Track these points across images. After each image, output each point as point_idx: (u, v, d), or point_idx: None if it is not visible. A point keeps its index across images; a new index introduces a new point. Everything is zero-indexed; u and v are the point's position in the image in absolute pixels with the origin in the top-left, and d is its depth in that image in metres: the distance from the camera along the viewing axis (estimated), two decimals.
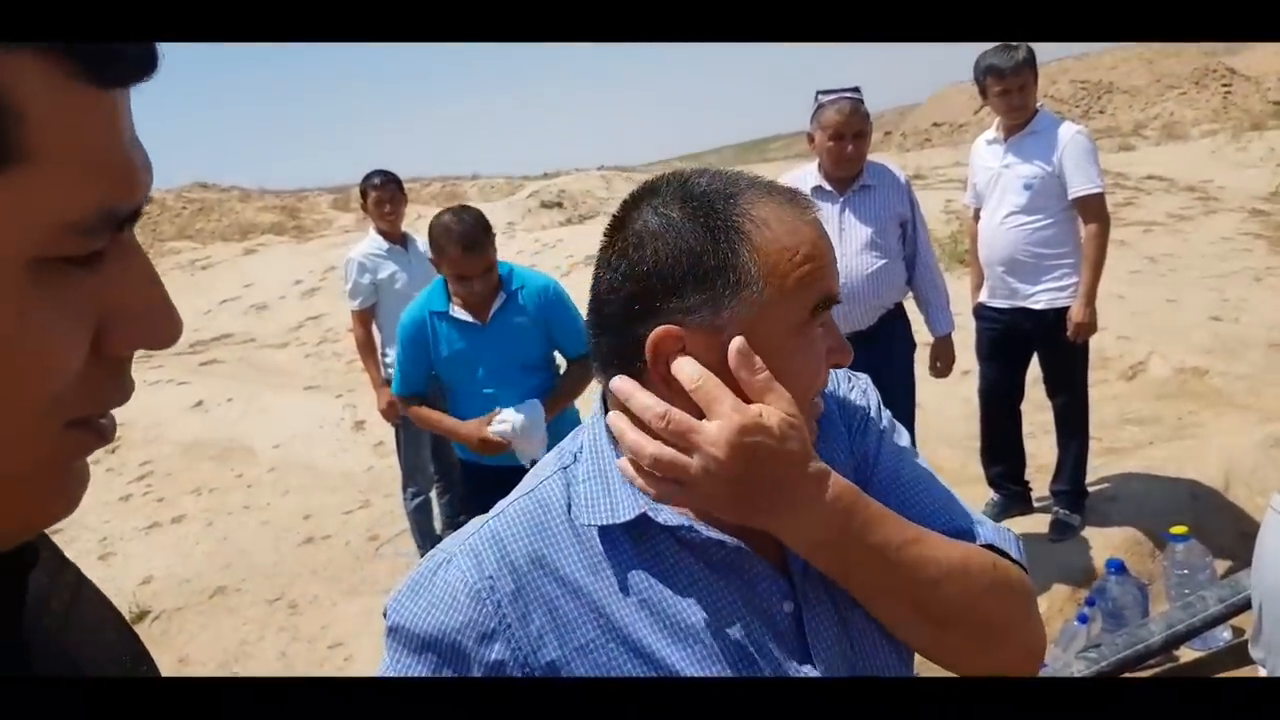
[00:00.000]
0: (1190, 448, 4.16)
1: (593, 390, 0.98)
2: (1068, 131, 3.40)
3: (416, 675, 0.83)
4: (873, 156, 3.32)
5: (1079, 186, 3.36)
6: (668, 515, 0.85)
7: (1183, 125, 15.44)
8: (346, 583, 4.36)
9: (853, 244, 3.22)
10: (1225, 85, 19.34)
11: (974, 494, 3.91)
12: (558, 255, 9.50)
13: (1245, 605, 2.80)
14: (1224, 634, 2.98)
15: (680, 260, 0.81)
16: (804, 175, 3.33)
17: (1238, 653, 2.85)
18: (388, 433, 6.07)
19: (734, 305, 0.80)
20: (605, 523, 0.85)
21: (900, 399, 3.41)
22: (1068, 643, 3.00)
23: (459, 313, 2.86)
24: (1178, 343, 5.57)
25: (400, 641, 0.84)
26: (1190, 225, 8.49)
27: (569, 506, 0.87)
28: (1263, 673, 2.20)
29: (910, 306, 3.49)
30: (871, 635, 0.91)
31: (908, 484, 0.97)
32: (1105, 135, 15.72)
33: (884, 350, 3.29)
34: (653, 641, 0.83)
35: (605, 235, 0.88)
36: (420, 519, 4.27)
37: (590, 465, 0.89)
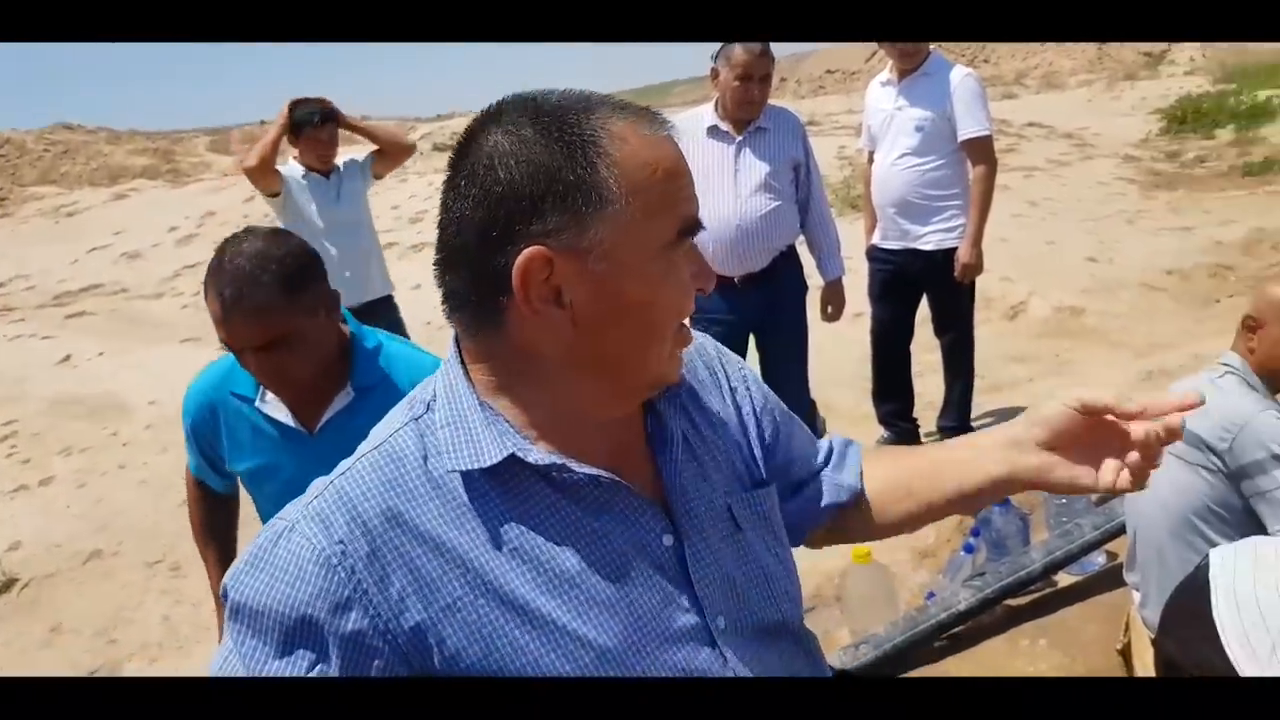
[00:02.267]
0: (1067, 383, 4.31)
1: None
2: (958, 75, 3.44)
3: (263, 656, 0.76)
4: (770, 101, 3.29)
5: (968, 129, 3.41)
6: (538, 455, 0.80)
7: (1061, 75, 16.00)
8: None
9: (747, 185, 3.20)
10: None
11: (866, 432, 4.00)
12: None
13: (1118, 531, 2.94)
14: (1099, 559, 3.13)
15: (537, 178, 0.76)
16: (699, 115, 3.28)
17: (1112, 576, 2.99)
18: None
19: (598, 225, 0.76)
20: (469, 468, 0.79)
21: (793, 340, 3.45)
22: (955, 572, 3.10)
23: (272, 408, 1.71)
24: (1056, 283, 5.79)
25: (243, 621, 0.77)
26: (1068, 170, 8.82)
27: (425, 457, 0.81)
28: (1136, 596, 2.32)
29: (804, 250, 3.50)
30: (748, 567, 0.91)
31: (790, 424, 1.06)
32: (990, 83, 16.08)
33: (777, 291, 3.31)
34: (526, 592, 0.79)
35: (451, 162, 0.81)
36: None
37: (447, 411, 0.83)
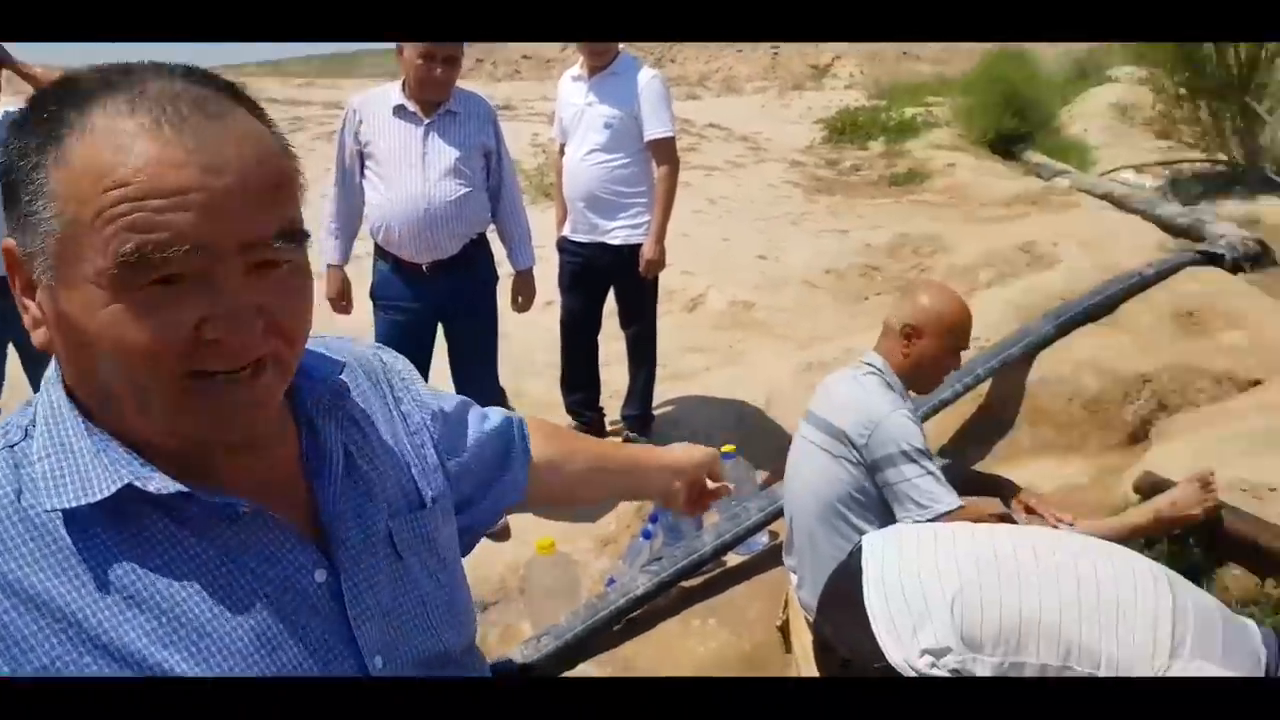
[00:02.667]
0: (740, 373, 4.66)
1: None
2: (645, 76, 3.56)
3: None
4: (462, 84, 3.23)
5: (653, 130, 3.55)
6: (160, 483, 0.71)
7: (739, 80, 17.14)
8: None
9: (436, 169, 3.13)
10: (774, 47, 21.71)
11: (554, 420, 4.06)
12: None
13: (779, 512, 3.21)
14: (763, 538, 3.40)
15: (6, 165, 0.69)
16: (386, 93, 3.15)
17: (774, 555, 3.26)
18: None
19: (36, 231, 0.67)
20: (75, 504, 0.69)
21: (482, 329, 3.43)
22: (634, 558, 3.24)
23: None
24: (731, 278, 6.18)
25: None
26: (743, 172, 9.44)
27: (19, 493, 0.70)
28: (793, 578, 2.54)
29: (494, 238, 3.49)
30: (407, 598, 0.86)
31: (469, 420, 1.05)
32: (675, 83, 16.95)
33: (468, 280, 3.28)
34: (144, 646, 0.70)
35: None
36: None
37: (48, 439, 0.72)
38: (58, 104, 0.68)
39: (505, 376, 4.29)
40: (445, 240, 3.18)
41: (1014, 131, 9.92)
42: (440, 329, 3.37)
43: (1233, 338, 4.24)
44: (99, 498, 0.69)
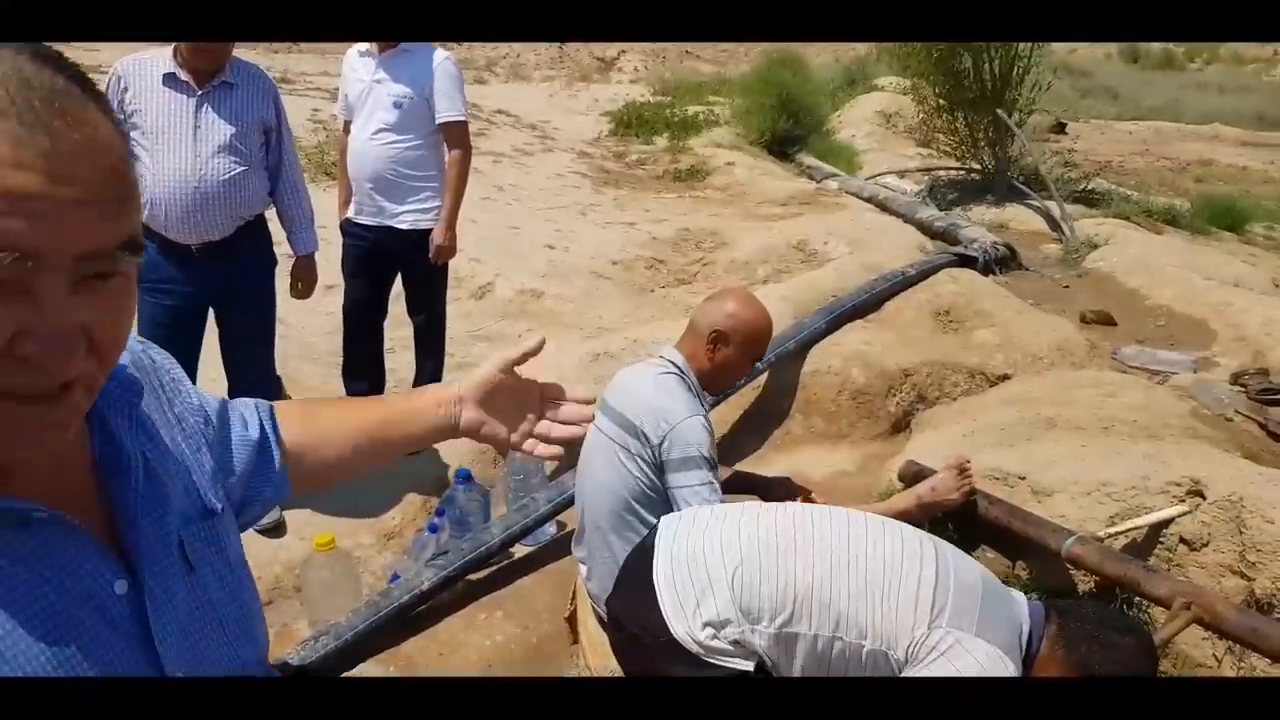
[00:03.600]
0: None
1: None
2: (439, 57, 3.45)
3: None
4: (239, 54, 3.01)
5: (445, 113, 3.45)
6: None
7: (527, 68, 17.01)
8: None
9: (209, 145, 2.90)
10: None
11: None
12: None
13: (568, 503, 3.22)
14: (550, 529, 3.40)
15: None
16: (155, 59, 2.89)
17: (562, 545, 3.27)
18: None
19: None
20: None
21: (258, 315, 3.23)
22: (419, 552, 3.16)
23: None
24: (520, 267, 6.14)
25: None
26: (532, 160, 9.40)
27: None
28: (583, 569, 2.55)
29: (273, 220, 3.29)
30: (203, 612, 0.81)
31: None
32: (463, 66, 16.62)
33: (243, 263, 3.08)
34: None
35: None
36: None
37: None
38: None
39: (281, 362, 4.06)
40: (218, 221, 2.96)
41: (788, 133, 10.44)
42: (212, 314, 3.14)
43: (984, 335, 4.66)
44: None
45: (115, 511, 0.76)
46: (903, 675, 1.70)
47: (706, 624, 1.78)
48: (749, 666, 1.76)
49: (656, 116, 11.54)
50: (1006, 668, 1.67)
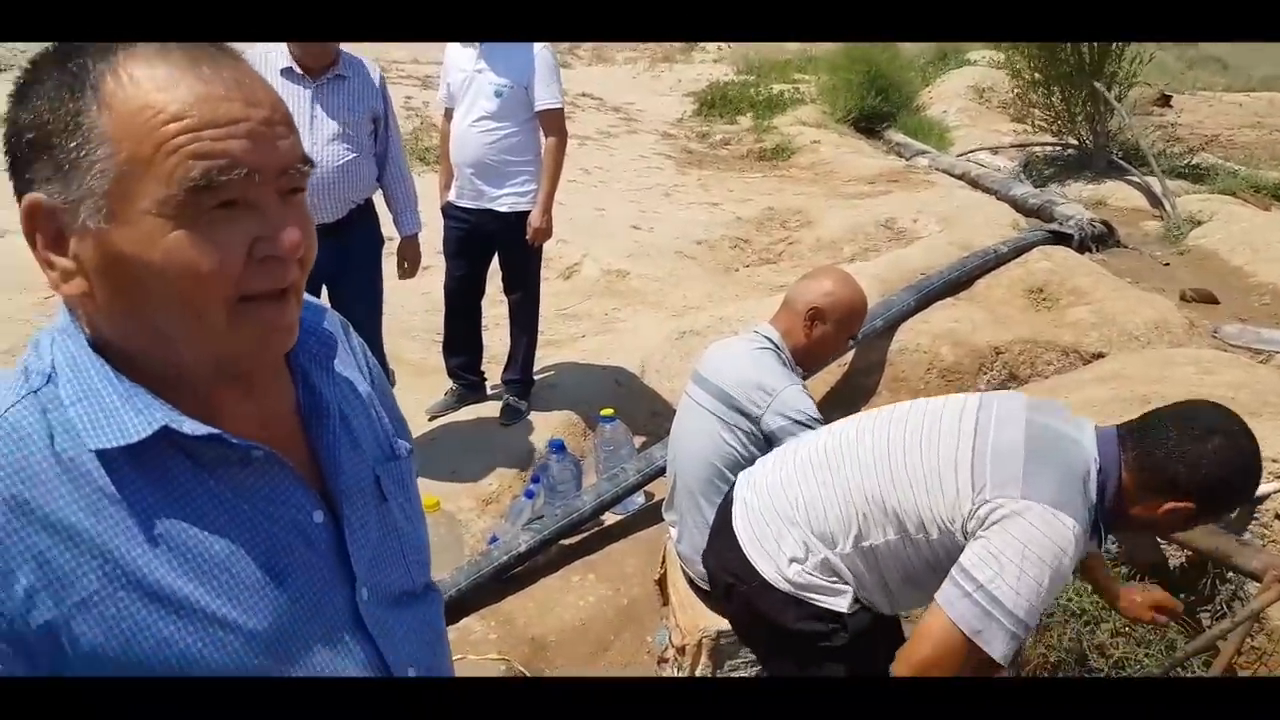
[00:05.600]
0: (615, 340, 4.75)
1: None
2: (537, 46, 3.58)
3: None
4: (345, 47, 3.19)
5: (544, 101, 3.58)
6: (193, 426, 0.75)
7: (610, 50, 17.06)
8: None
9: (323, 134, 3.09)
10: None
11: (434, 383, 4.07)
12: None
13: (657, 474, 3.33)
14: (639, 499, 3.52)
15: (29, 125, 0.72)
16: (275, 53, 3.09)
17: (650, 514, 3.38)
18: None
19: (88, 175, 0.70)
20: (114, 445, 0.73)
21: (366, 294, 3.41)
22: (516, 516, 3.31)
23: None
24: (606, 247, 6.25)
25: None
26: (616, 142, 9.51)
27: (52, 436, 0.73)
28: (673, 532, 2.65)
29: (380, 203, 3.47)
30: (389, 538, 0.93)
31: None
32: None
33: (353, 244, 3.27)
34: (171, 580, 0.75)
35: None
36: None
37: (75, 386, 0.75)
38: (80, 58, 0.71)
39: (385, 338, 4.25)
40: (331, 205, 3.15)
41: (877, 111, 10.32)
42: (325, 293, 3.33)
43: (1079, 313, 4.60)
44: (136, 439, 0.73)
45: (317, 452, 0.87)
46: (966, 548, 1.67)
47: (791, 560, 1.84)
48: (844, 603, 1.82)
49: (740, 96, 11.50)
50: (1063, 524, 1.59)
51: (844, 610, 1.82)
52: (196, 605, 0.76)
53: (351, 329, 1.04)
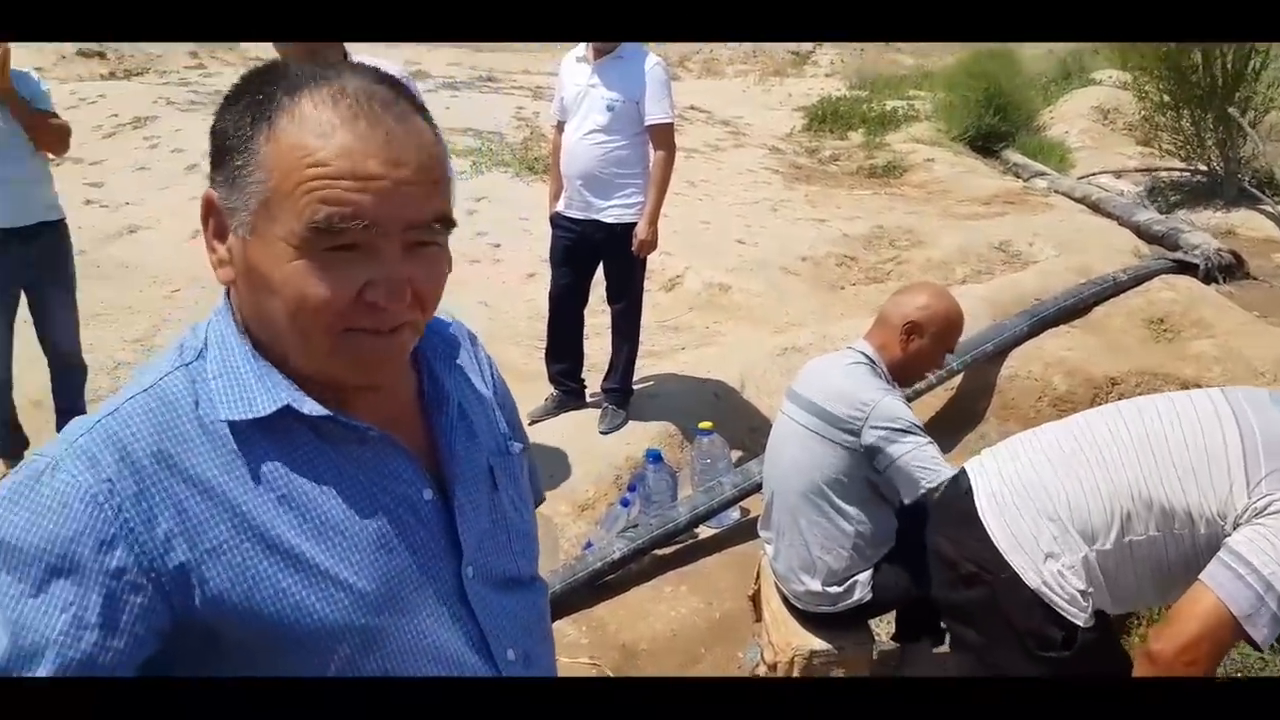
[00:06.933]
0: (715, 354, 4.75)
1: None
2: (650, 62, 3.64)
3: (17, 593, 0.74)
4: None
5: (654, 115, 3.62)
6: (312, 406, 0.84)
7: (720, 64, 17.08)
8: None
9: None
10: None
11: (535, 389, 4.14)
12: (99, 112, 8.18)
13: (753, 489, 3.31)
14: (734, 514, 3.51)
15: (220, 130, 0.83)
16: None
17: (744, 530, 3.37)
18: None
19: (243, 191, 0.80)
20: (242, 417, 0.83)
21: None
22: (611, 524, 3.34)
23: None
24: (709, 260, 6.25)
25: (1, 559, 0.76)
26: (723, 155, 9.50)
27: (196, 403, 0.83)
28: (769, 549, 2.63)
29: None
30: (497, 524, 0.98)
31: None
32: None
33: None
34: (291, 537, 0.83)
35: None
36: None
37: (220, 361, 0.85)
38: (272, 86, 0.81)
39: (488, 344, 4.34)
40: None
41: (994, 129, 10.06)
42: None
43: (1201, 346, 4.40)
44: (262, 414, 0.82)
45: (436, 438, 0.95)
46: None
47: (1048, 556, 1.81)
48: (1084, 618, 1.79)
49: (852, 111, 11.35)
50: None
51: (1080, 625, 1.80)
52: (312, 562, 0.83)
53: (479, 341, 1.12)
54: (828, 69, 16.14)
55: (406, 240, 0.81)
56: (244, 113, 0.81)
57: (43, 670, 0.74)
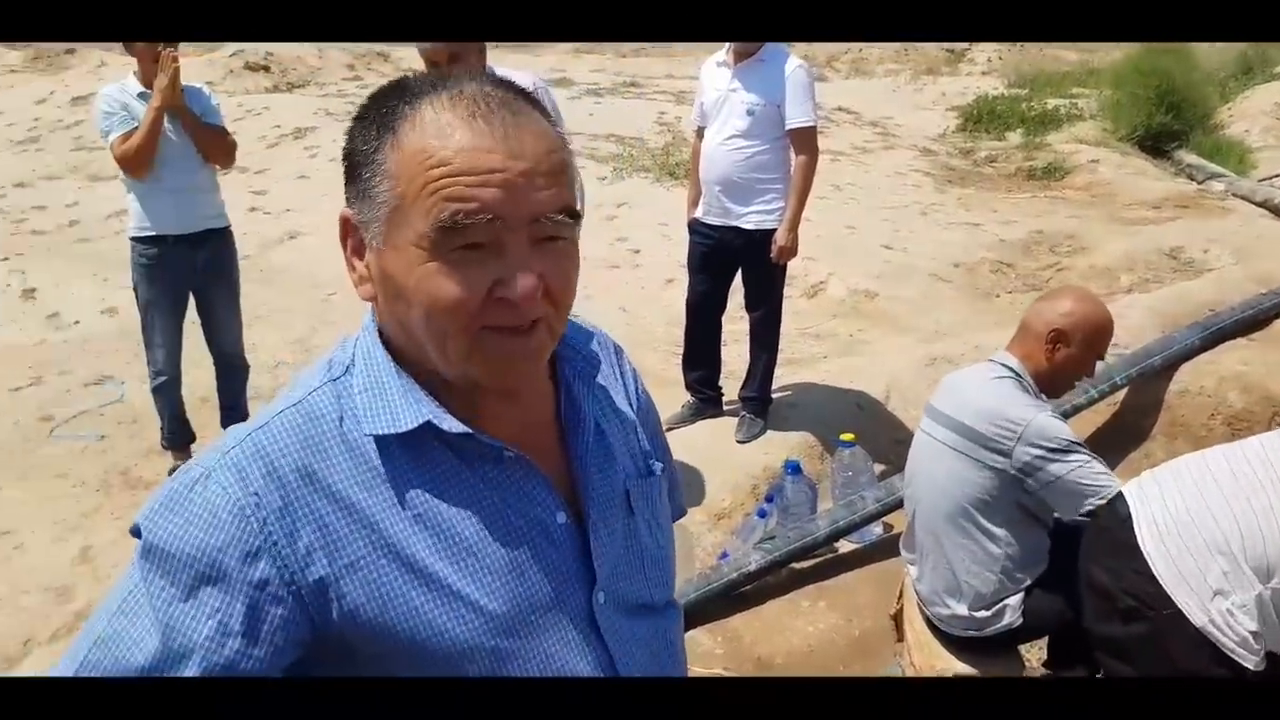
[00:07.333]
0: (859, 363, 4.63)
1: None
2: (791, 64, 3.56)
3: (169, 597, 0.77)
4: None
5: (795, 119, 3.55)
6: (451, 423, 0.84)
7: (869, 63, 16.70)
8: (15, 466, 3.86)
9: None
10: None
11: (672, 395, 4.13)
12: (263, 124, 8.72)
13: (897, 505, 3.20)
14: (877, 529, 3.40)
15: (350, 149, 0.85)
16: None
17: (887, 546, 3.26)
18: (64, 304, 5.40)
19: (374, 202, 0.82)
20: (386, 432, 0.84)
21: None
22: (747, 534, 3.29)
23: None
24: (854, 266, 6.11)
25: (154, 562, 0.79)
26: (871, 158, 9.27)
27: (341, 418, 0.85)
28: (912, 570, 2.53)
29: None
30: (632, 550, 0.97)
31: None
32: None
33: None
34: (425, 556, 0.83)
35: None
36: (161, 404, 3.77)
37: (366, 377, 0.87)
38: (395, 100, 0.83)
39: (627, 349, 4.34)
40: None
41: (1166, 129, 9.45)
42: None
43: None
44: (405, 429, 0.84)
45: (571, 460, 0.94)
46: None
47: (1216, 593, 1.70)
48: (1254, 661, 1.68)
49: (1010, 110, 10.89)
50: None
51: (1250, 668, 1.68)
52: (445, 581, 0.83)
53: (625, 354, 1.10)
54: (984, 66, 15.56)
55: (533, 234, 0.81)
56: (369, 127, 0.83)
57: (188, 673, 0.76)
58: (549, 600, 0.88)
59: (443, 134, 0.79)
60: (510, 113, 0.81)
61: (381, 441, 0.84)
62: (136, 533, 0.81)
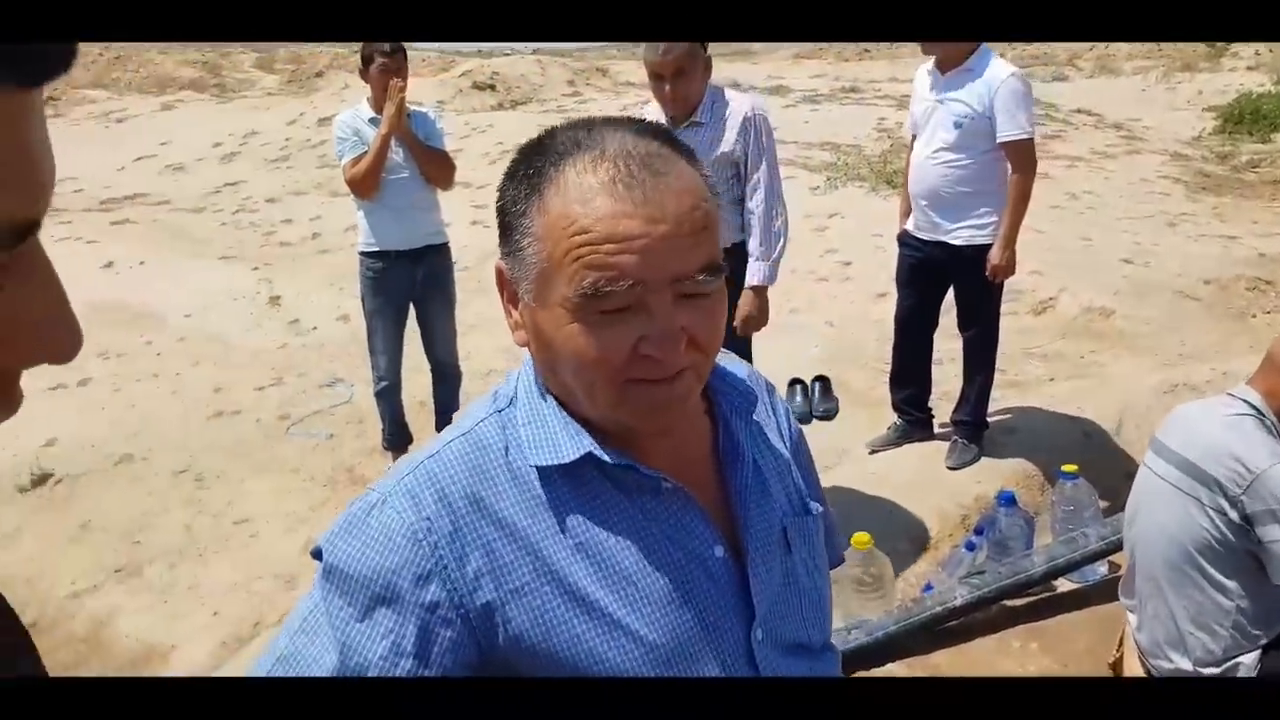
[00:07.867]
0: (1089, 387, 4.35)
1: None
2: (1002, 73, 3.38)
3: (347, 616, 0.83)
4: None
5: (1007, 132, 3.37)
6: (612, 455, 0.87)
7: (1116, 59, 15.55)
8: (255, 460, 4.32)
9: None
10: None
11: (879, 416, 4.04)
12: (487, 140, 9.26)
13: (1122, 545, 2.98)
14: (1101, 569, 3.18)
15: (501, 207, 0.89)
16: (655, 108, 3.15)
17: (1110, 588, 3.04)
18: (304, 310, 6.00)
19: (524, 262, 0.85)
20: (549, 463, 0.87)
21: (731, 341, 3.31)
22: (954, 567, 3.16)
23: None
24: (1088, 282, 5.74)
25: (334, 582, 0.84)
26: (1113, 164, 8.66)
27: (506, 449, 0.89)
28: (1132, 619, 2.37)
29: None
30: (790, 588, 0.97)
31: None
32: (1039, 63, 15.77)
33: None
34: (587, 585, 0.85)
35: None
36: (383, 407, 4.11)
37: (528, 411, 0.91)
38: (541, 159, 0.86)
39: (827, 365, 4.27)
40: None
41: None
42: None
43: None
44: (567, 460, 0.87)
45: (729, 494, 0.95)
46: None
47: None
48: None
49: (1278, 110, 9.86)
50: None
51: None
52: (605, 610, 0.85)
53: (775, 391, 1.10)
54: (1250, 61, 14.12)
55: (676, 292, 0.82)
56: (518, 187, 0.86)
57: None
58: (704, 634, 0.89)
59: (584, 199, 0.81)
60: (651, 174, 0.81)
61: (544, 472, 0.87)
62: (318, 555, 0.86)
